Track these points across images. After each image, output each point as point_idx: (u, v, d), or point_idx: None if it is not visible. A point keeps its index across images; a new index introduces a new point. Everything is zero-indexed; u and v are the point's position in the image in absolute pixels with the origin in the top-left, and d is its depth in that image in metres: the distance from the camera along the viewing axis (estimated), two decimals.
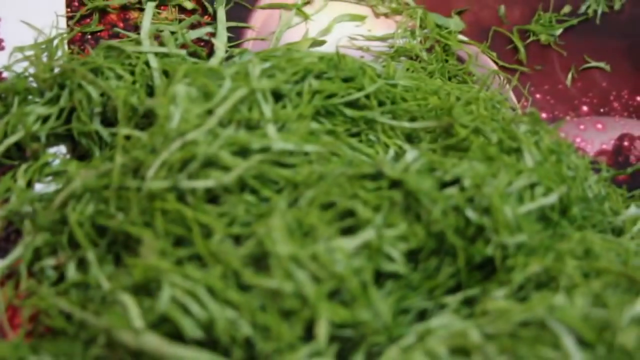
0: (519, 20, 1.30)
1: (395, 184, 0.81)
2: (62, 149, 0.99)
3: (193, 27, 1.16)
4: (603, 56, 1.27)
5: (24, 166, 0.95)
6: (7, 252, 0.89)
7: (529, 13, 1.31)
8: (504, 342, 0.68)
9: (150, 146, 0.83)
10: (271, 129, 0.85)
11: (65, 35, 1.05)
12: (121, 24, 1.14)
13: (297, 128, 0.87)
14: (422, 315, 0.80)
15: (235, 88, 0.87)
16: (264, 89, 0.88)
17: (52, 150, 0.98)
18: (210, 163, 0.81)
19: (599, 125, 1.18)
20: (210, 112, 0.85)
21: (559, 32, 1.29)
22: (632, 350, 0.67)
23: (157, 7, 1.14)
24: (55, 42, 1.03)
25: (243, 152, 0.83)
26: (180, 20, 1.15)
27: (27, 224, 0.88)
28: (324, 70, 0.94)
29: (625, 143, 1.16)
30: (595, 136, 1.17)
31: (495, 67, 1.23)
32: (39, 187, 0.94)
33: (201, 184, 0.79)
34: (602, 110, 1.20)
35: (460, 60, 1.21)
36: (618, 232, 0.93)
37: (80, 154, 0.98)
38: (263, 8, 1.23)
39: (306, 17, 1.22)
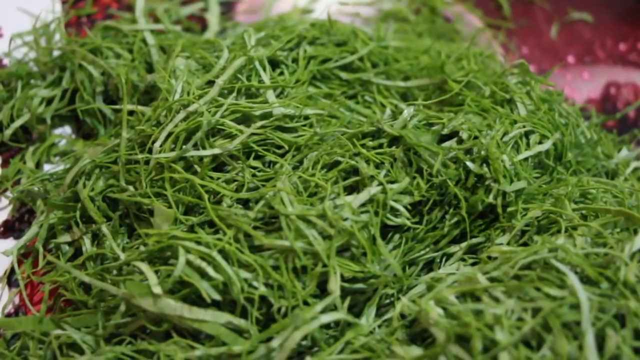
0: None
1: (395, 140, 0.82)
2: (67, 129, 1.00)
3: (184, 4, 1.17)
4: (585, 7, 1.28)
5: (31, 148, 0.96)
6: (21, 232, 0.90)
7: None
8: (511, 284, 0.70)
9: (154, 119, 0.85)
10: (271, 96, 0.86)
11: (61, 18, 1.05)
12: (115, 5, 1.14)
13: (296, 93, 0.88)
14: (430, 266, 0.82)
15: (234, 58, 0.88)
16: (261, 57, 0.89)
17: (57, 131, 0.99)
18: (215, 132, 0.83)
19: (586, 75, 1.19)
20: (210, 82, 0.86)
21: None
22: (635, 284, 0.69)
23: None
24: (53, 26, 1.03)
25: (245, 119, 0.84)
26: None
27: (39, 203, 0.89)
28: (317, 36, 0.95)
29: (612, 91, 1.17)
30: (583, 85, 1.18)
31: (481, 25, 1.24)
32: (47, 168, 0.96)
33: (208, 152, 0.81)
34: (587, 59, 1.22)
35: (447, 20, 1.22)
36: (612, 174, 0.95)
37: (85, 134, 0.99)
38: None
39: None
